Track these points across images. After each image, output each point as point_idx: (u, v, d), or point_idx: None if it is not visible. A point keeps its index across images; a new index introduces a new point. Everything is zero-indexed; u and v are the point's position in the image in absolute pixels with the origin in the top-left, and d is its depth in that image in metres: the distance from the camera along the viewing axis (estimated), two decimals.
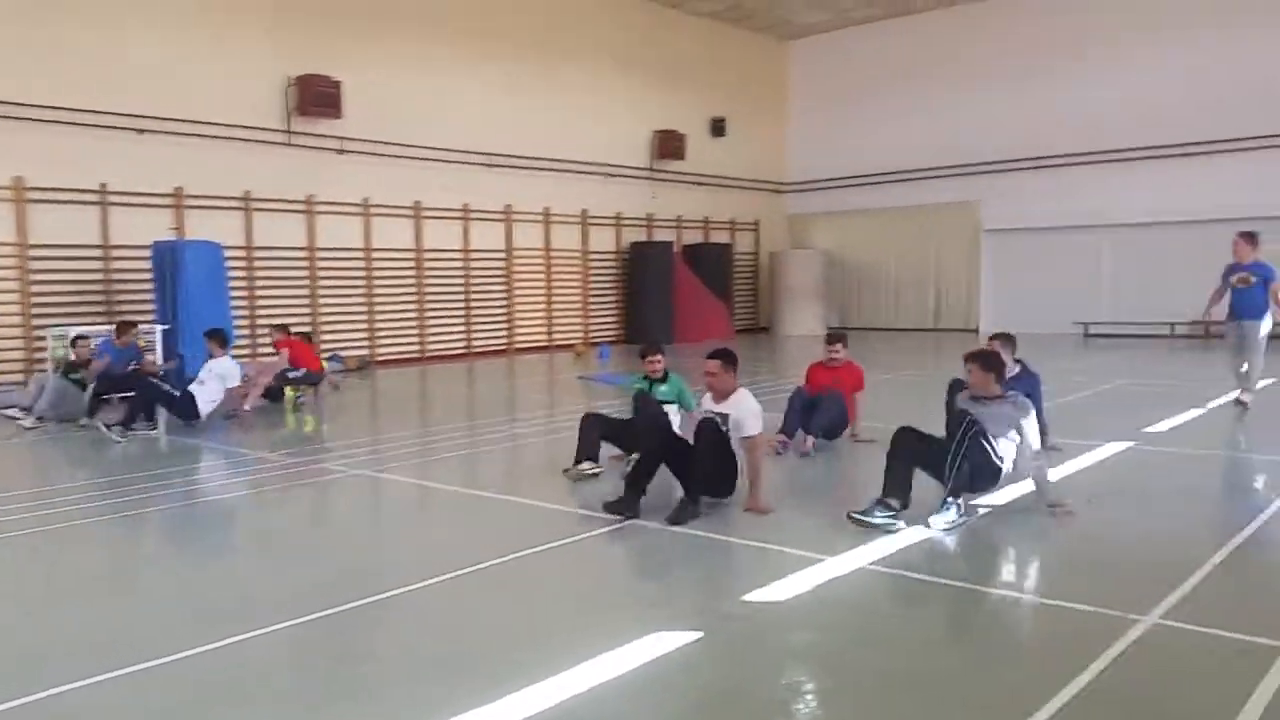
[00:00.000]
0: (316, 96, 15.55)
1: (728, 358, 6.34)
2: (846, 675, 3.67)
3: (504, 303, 19.08)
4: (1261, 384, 10.21)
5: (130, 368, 10.82)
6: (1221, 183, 19.36)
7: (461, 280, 18.34)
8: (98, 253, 13.77)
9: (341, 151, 16.29)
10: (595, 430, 7.35)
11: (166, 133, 14.21)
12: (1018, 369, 7.54)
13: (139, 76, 13.95)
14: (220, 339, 10.31)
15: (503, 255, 19.05)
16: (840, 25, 24.11)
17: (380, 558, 5.42)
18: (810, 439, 7.97)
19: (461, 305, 18.35)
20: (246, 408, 10.70)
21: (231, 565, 5.45)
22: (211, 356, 10.16)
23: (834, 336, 8.78)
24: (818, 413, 7.90)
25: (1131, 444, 8.11)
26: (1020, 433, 5.87)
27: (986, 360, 6.19)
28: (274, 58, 15.48)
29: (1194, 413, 9.75)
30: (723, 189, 23.87)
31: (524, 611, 4.41)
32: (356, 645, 4.05)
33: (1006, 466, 5.83)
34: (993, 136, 22.05)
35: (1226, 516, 5.64)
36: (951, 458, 5.58)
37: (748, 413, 6.18)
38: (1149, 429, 8.85)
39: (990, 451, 5.71)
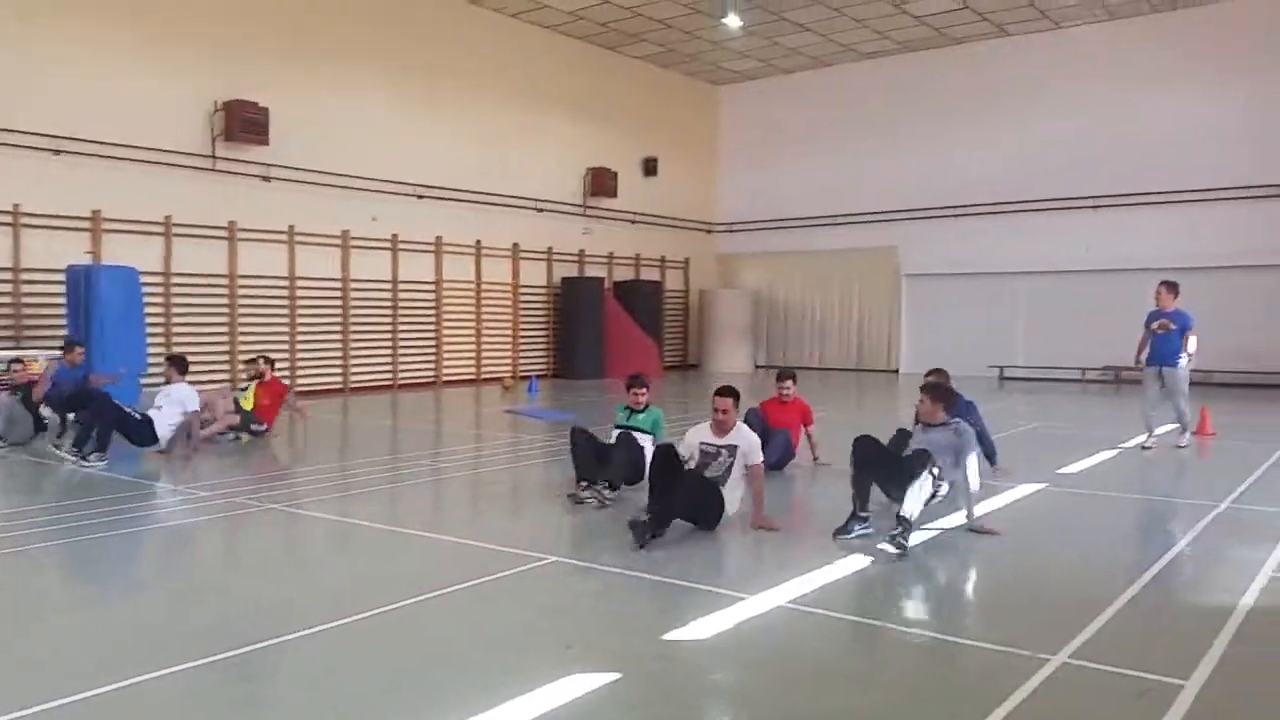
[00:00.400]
0: (244, 122, 15.30)
1: (736, 396, 6.82)
2: (764, 716, 3.66)
3: (432, 335, 18.90)
4: (1160, 430, 10.59)
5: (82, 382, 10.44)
6: (1127, 234, 20.22)
7: (389, 311, 18.12)
8: (7, 275, 13.28)
9: (268, 179, 16.03)
10: (586, 449, 7.64)
11: (84, 154, 13.84)
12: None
13: (57, 95, 13.58)
14: (180, 365, 10.19)
15: (432, 287, 18.89)
16: (767, 74, 24.70)
17: (290, 596, 5.25)
18: None
19: (388, 336, 18.11)
20: (205, 433, 10.35)
21: (136, 603, 5.24)
22: (168, 381, 10.04)
23: (784, 374, 9.21)
24: (768, 448, 7.83)
25: (1045, 485, 8.31)
26: (959, 456, 6.43)
27: (936, 391, 6.86)
28: (201, 82, 15.22)
29: (1105, 455, 10.05)
30: (654, 227, 24.08)
31: (435, 654, 4.31)
32: (259, 690, 3.92)
33: (943, 490, 6.31)
34: (911, 184, 22.78)
35: (1134, 557, 5.80)
36: (909, 488, 5.99)
37: (752, 444, 6.70)
38: (1062, 470, 9.08)
39: (936, 481, 6.16)
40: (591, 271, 22.30)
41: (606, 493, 7.38)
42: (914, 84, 22.82)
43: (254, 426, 10.95)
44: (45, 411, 10.40)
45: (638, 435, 7.70)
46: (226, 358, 15.67)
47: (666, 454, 6.35)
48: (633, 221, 23.40)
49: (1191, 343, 10.41)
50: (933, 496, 6.16)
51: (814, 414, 9.21)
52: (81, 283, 12.37)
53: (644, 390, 8.01)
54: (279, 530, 6.96)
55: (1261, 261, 18.58)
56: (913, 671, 4.11)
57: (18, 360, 11.08)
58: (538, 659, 4.19)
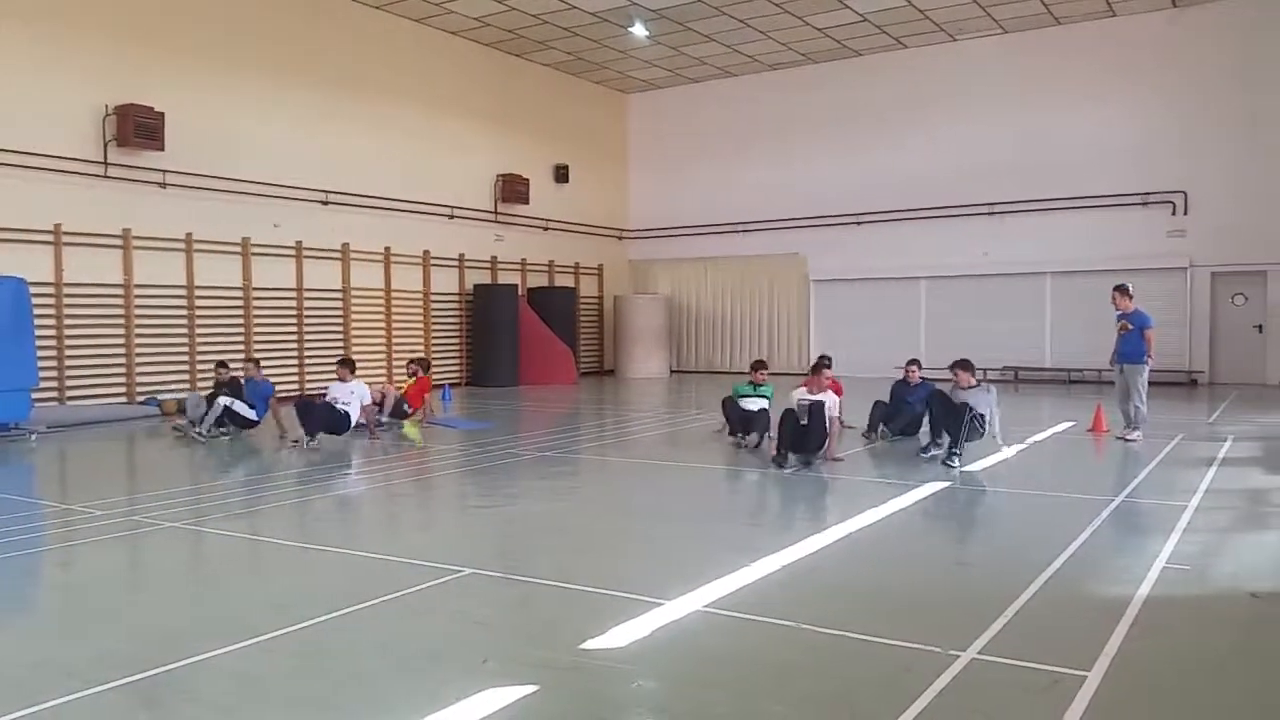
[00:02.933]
0: (137, 127, 14.77)
1: (820, 367, 10.57)
2: None
3: (340, 343, 18.49)
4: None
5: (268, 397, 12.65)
6: (1024, 239, 21.04)
7: (293, 320, 17.67)
8: None
9: (163, 185, 15.49)
10: (734, 413, 11.35)
11: None
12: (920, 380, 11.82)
13: None
14: (351, 365, 12.52)
15: (339, 295, 18.49)
16: (675, 83, 24.95)
17: (190, 618, 5.04)
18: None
19: (294, 345, 17.66)
20: (382, 420, 12.98)
21: (25, 628, 4.98)
22: (342, 380, 12.21)
23: (822, 362, 11.20)
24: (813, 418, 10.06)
25: (949, 484, 8.53)
26: (992, 404, 9.91)
27: (968, 365, 10.23)
28: (91, 85, 14.63)
29: (1005, 453, 10.36)
30: (567, 234, 24.04)
31: (346, 674, 4.19)
32: (157, 718, 3.75)
33: (989, 426, 9.83)
34: (816, 192, 23.34)
35: (1037, 552, 5.98)
36: (961, 431, 9.48)
37: (833, 400, 10.00)
38: (967, 469, 9.34)
39: (980, 421, 9.70)
40: (505, 278, 22.13)
41: (753, 437, 11.01)
42: (817, 94, 23.34)
43: (405, 408, 13.85)
44: (238, 407, 12.43)
45: (764, 400, 11.31)
46: (123, 368, 15.07)
47: (792, 415, 9.71)
48: (545, 228, 23.31)
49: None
50: (974, 434, 9.62)
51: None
52: None
53: (765, 370, 11.86)
54: (179, 549, 6.69)
55: (1149, 265, 19.47)
56: (829, 671, 4.16)
57: (222, 364, 13.13)
58: (453, 674, 4.11)
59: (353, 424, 11.97)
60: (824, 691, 3.92)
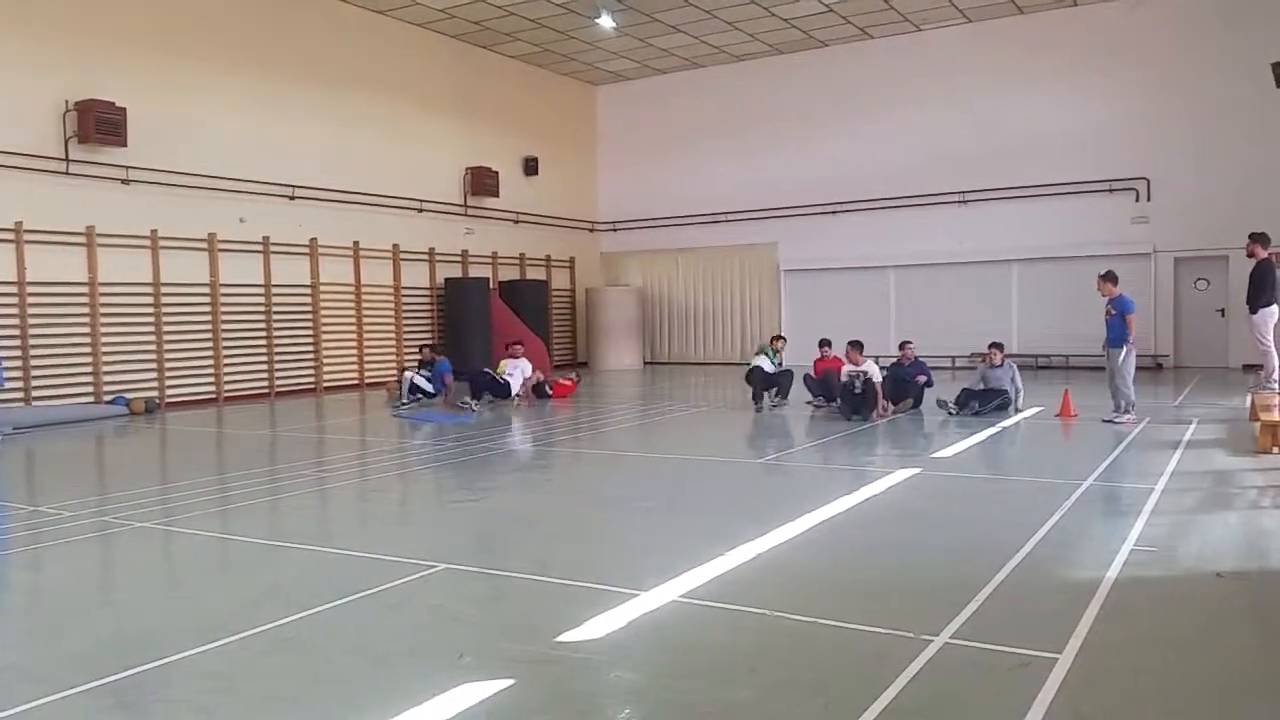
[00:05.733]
0: (99, 123, 14.53)
1: (858, 345, 12.75)
2: (660, 713, 3.67)
3: (310, 339, 18.34)
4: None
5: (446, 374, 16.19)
6: (991, 227, 21.22)
7: (262, 316, 17.50)
8: None
9: (127, 181, 15.27)
10: (758, 383, 13.85)
11: None
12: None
13: None
14: (517, 347, 15.96)
15: (308, 290, 18.33)
16: (642, 74, 24.91)
17: (163, 619, 4.99)
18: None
19: (263, 342, 17.49)
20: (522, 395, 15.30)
21: None
22: (514, 358, 15.55)
23: (824, 342, 14.49)
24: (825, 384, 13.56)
25: (919, 470, 8.61)
26: (1014, 379, 12.60)
27: (1000, 346, 12.77)
28: (50, 81, 14.38)
29: (977, 438, 10.47)
30: (538, 226, 23.96)
31: (320, 672, 4.17)
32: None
33: (1016, 398, 12.59)
34: (787, 183, 23.38)
35: (1007, 536, 6.05)
36: (991, 403, 12.34)
37: (873, 370, 12.42)
38: (936, 454, 9.42)
39: (1008, 394, 12.53)
40: (476, 272, 22.03)
41: (777, 399, 13.84)
42: (785, 85, 23.38)
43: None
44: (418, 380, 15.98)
45: (766, 365, 14.06)
46: (89, 368, 14.86)
47: (844, 385, 12.61)
48: (516, 221, 23.22)
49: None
50: (1000, 406, 12.27)
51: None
52: None
53: (783, 342, 14.92)
54: (150, 550, 6.62)
55: (1114, 251, 19.68)
56: (805, 658, 4.19)
57: (430, 345, 17.45)
58: (429, 670, 4.10)
59: (513, 392, 15.12)
60: (799, 679, 3.95)
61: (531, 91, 23.77)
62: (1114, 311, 11.54)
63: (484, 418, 13.61)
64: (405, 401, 15.38)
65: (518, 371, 15.35)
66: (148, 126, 15.32)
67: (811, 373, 14.10)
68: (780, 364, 14.30)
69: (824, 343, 14.46)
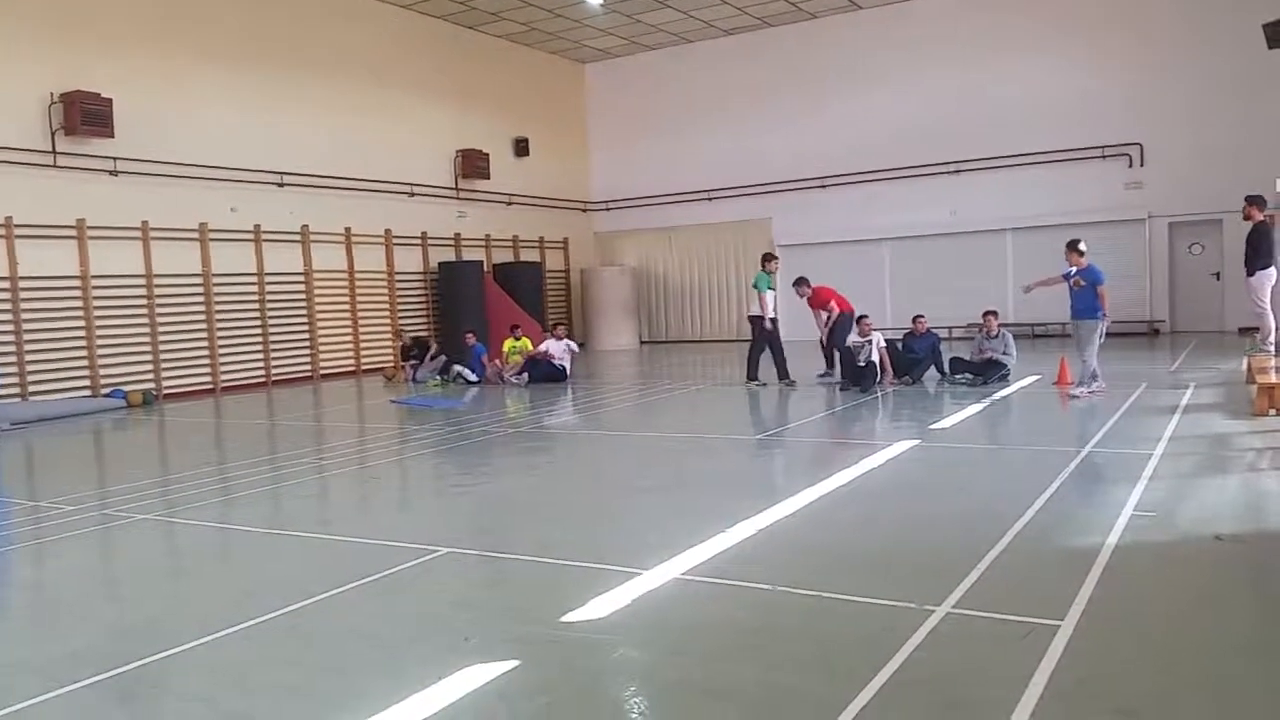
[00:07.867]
0: (86, 115, 14.43)
1: (866, 318, 12.97)
2: (665, 690, 3.69)
3: (304, 327, 18.30)
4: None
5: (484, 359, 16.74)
6: (984, 197, 21.16)
7: (256, 305, 17.45)
8: None
9: (115, 173, 15.18)
10: (758, 355, 13.71)
11: None
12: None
13: None
14: (564, 330, 16.57)
15: (301, 277, 18.27)
16: (631, 51, 24.74)
17: (165, 610, 5.00)
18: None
19: (257, 331, 17.45)
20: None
21: None
22: (559, 339, 16.07)
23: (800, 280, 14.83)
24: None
25: (918, 441, 8.62)
26: (1008, 346, 12.53)
27: (994, 313, 12.82)
28: (34, 73, 14.27)
29: (974, 409, 10.47)
30: (530, 208, 23.87)
31: (327, 657, 4.18)
32: (135, 713, 3.73)
33: (1009, 362, 12.57)
34: (780, 157, 23.27)
35: (1007, 505, 6.06)
36: (991, 371, 12.36)
37: (878, 342, 12.49)
38: (934, 426, 9.43)
39: (1004, 361, 12.51)
40: (469, 255, 21.96)
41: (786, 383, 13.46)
42: (774, 59, 23.25)
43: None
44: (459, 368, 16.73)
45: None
46: (85, 361, 14.83)
47: (851, 356, 12.66)
48: (508, 203, 23.14)
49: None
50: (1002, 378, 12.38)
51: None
52: None
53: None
54: (153, 541, 6.62)
55: (1108, 218, 19.68)
56: (808, 632, 4.20)
57: (471, 332, 17.74)
58: (435, 653, 4.11)
59: (568, 374, 15.83)
60: (803, 652, 3.96)
61: (520, 71, 23.62)
62: (1084, 283, 11.08)
63: (479, 401, 13.61)
64: (437, 381, 16.45)
65: (566, 355, 15.94)
66: (135, 117, 15.22)
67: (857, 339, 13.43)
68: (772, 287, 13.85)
69: (799, 279, 15.04)
